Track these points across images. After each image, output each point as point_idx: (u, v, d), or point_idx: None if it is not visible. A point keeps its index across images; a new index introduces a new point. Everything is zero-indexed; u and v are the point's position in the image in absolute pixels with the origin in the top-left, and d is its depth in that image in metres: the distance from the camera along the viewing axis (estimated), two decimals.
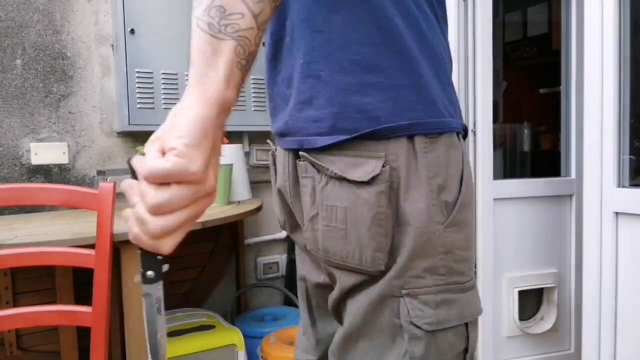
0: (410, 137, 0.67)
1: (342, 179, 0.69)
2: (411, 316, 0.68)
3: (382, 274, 0.70)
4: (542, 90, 2.77)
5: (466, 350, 0.71)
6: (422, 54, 0.69)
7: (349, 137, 0.68)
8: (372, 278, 0.71)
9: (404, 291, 0.69)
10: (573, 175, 1.98)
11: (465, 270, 0.71)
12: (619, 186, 1.32)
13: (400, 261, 0.69)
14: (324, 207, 0.72)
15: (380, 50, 0.67)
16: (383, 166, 0.67)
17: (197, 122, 0.52)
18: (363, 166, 0.68)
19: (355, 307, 0.73)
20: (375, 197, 0.68)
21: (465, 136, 0.75)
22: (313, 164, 0.72)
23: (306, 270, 0.87)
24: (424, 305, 0.68)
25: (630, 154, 1.33)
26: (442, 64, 0.72)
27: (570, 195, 1.97)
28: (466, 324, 0.70)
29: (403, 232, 0.68)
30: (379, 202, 0.68)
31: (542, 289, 1.98)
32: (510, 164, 2.72)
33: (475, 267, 1.91)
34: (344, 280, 0.74)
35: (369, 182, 0.68)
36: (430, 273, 0.68)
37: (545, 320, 1.98)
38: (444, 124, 0.69)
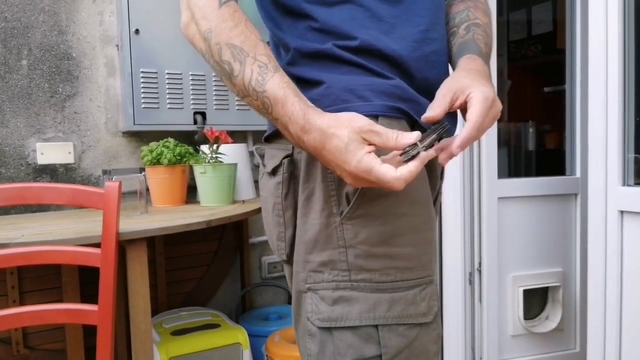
0: None
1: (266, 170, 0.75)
2: (308, 312, 0.67)
3: (291, 266, 0.72)
4: (546, 89, 2.76)
5: (380, 358, 0.64)
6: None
7: (271, 130, 0.73)
8: (290, 270, 0.73)
9: (307, 286, 0.68)
10: (578, 174, 1.97)
11: (379, 268, 0.65)
12: (623, 185, 1.32)
13: (300, 252, 0.69)
14: (260, 196, 0.79)
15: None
16: (285, 158, 0.70)
17: None
18: (274, 158, 0.72)
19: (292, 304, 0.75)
20: (275, 188, 0.71)
21: (410, 117, 0.68)
22: (261, 155, 0.78)
23: None
24: (321, 301, 0.66)
25: (635, 153, 1.32)
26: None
27: (575, 194, 1.97)
28: (377, 327, 0.64)
29: (302, 223, 0.68)
30: (277, 193, 0.71)
31: (547, 287, 1.97)
32: (515, 162, 2.72)
33: (480, 266, 1.91)
34: (285, 272, 0.79)
35: (272, 173, 0.72)
36: (330, 268, 0.65)
37: (550, 319, 1.97)
38: (344, 110, 0.64)
